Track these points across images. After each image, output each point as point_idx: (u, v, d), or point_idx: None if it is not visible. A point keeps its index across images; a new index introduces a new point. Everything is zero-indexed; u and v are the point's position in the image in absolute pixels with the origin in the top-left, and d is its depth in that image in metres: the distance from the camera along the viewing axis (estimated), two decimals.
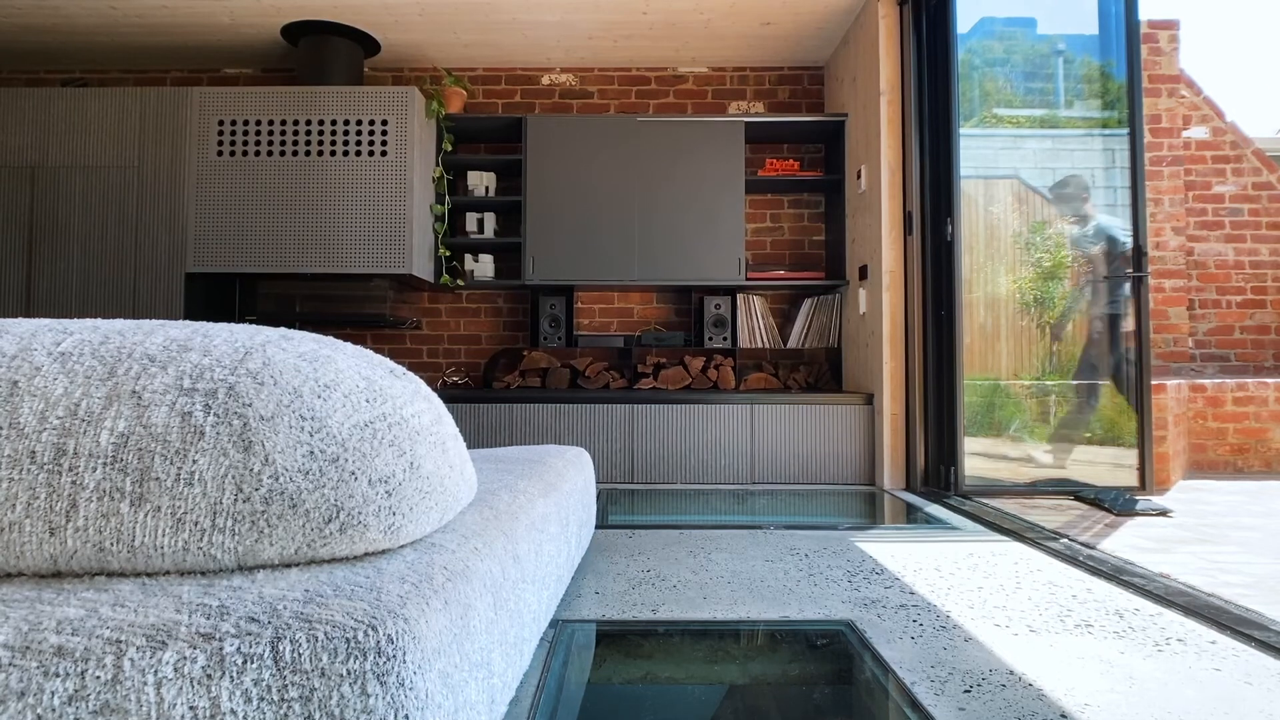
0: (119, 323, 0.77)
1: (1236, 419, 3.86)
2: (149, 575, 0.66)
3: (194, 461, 0.64)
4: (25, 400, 0.66)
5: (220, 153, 3.52)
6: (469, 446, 3.20)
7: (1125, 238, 2.47)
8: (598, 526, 2.42)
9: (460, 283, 3.83)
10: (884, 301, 3.25)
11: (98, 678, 0.53)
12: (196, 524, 0.64)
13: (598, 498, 2.57)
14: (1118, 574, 1.85)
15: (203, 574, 0.67)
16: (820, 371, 3.85)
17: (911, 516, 2.84)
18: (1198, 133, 4.70)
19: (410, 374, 0.86)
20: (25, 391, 0.66)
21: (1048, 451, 3.30)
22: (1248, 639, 1.42)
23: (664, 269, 3.75)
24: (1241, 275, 4.66)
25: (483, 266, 3.89)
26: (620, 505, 3.27)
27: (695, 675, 1.35)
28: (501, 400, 3.53)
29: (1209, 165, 4.70)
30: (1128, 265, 2.95)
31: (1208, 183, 4.70)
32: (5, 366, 0.68)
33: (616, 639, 1.51)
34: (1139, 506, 2.69)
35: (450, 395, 3.50)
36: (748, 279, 3.78)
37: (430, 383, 3.89)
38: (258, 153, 3.52)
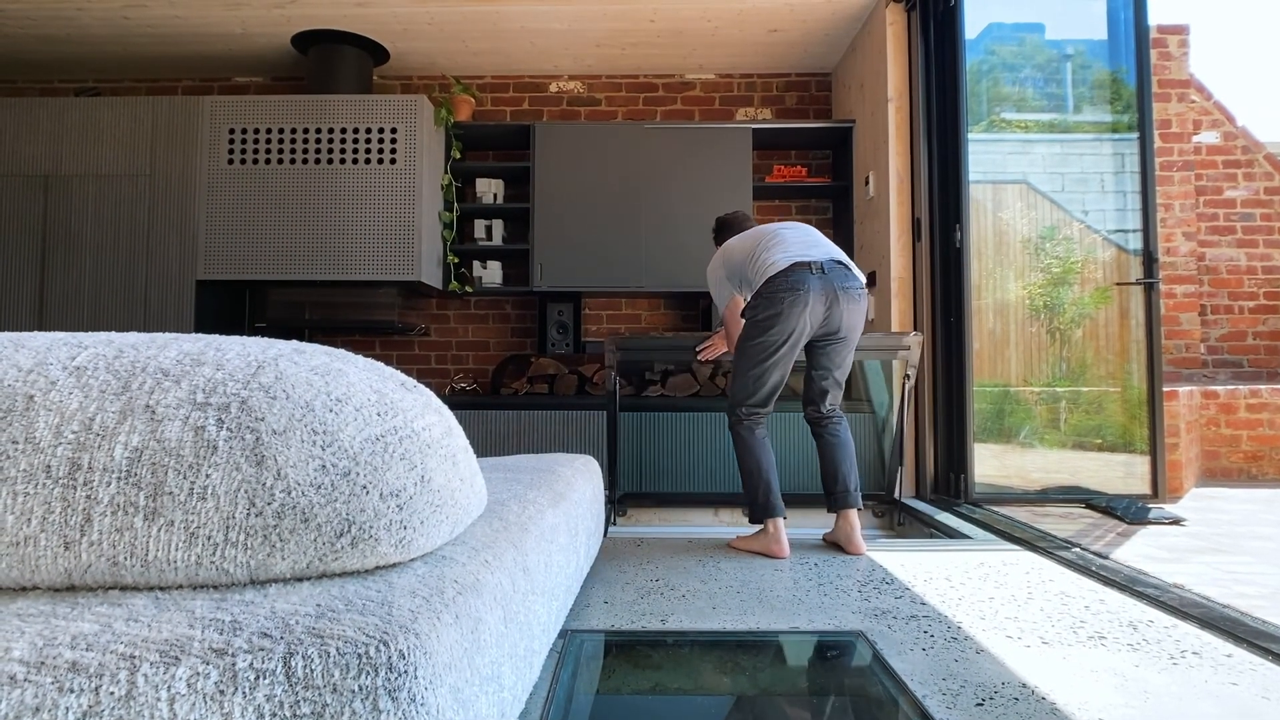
0: (133, 336, 0.78)
1: (1250, 426, 3.82)
2: (162, 589, 0.66)
3: (207, 476, 0.65)
4: (40, 414, 0.66)
5: (231, 161, 3.55)
6: (477, 453, 3.20)
7: None
8: (605, 534, 2.41)
9: (468, 289, 3.84)
10: (892, 308, 3.23)
11: (112, 694, 0.53)
12: (209, 538, 0.65)
13: (605, 504, 2.58)
14: (1131, 584, 1.84)
15: (215, 588, 0.67)
16: None
17: (922, 524, 2.82)
18: (1208, 137, 4.68)
19: (421, 386, 0.86)
20: (41, 406, 0.66)
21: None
22: (1265, 652, 1.41)
23: (671, 275, 3.75)
24: (1254, 280, 4.62)
25: (491, 273, 3.91)
26: (628, 513, 3.26)
27: (705, 686, 1.34)
28: (509, 407, 3.54)
29: (1220, 170, 4.67)
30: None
31: (1219, 188, 4.66)
32: (21, 380, 0.68)
33: (625, 649, 1.50)
34: (1151, 515, 2.66)
35: (458, 402, 3.50)
36: None
37: (438, 389, 3.90)
38: (268, 161, 3.55)
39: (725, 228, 2.56)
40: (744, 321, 2.26)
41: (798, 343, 2.18)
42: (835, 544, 2.28)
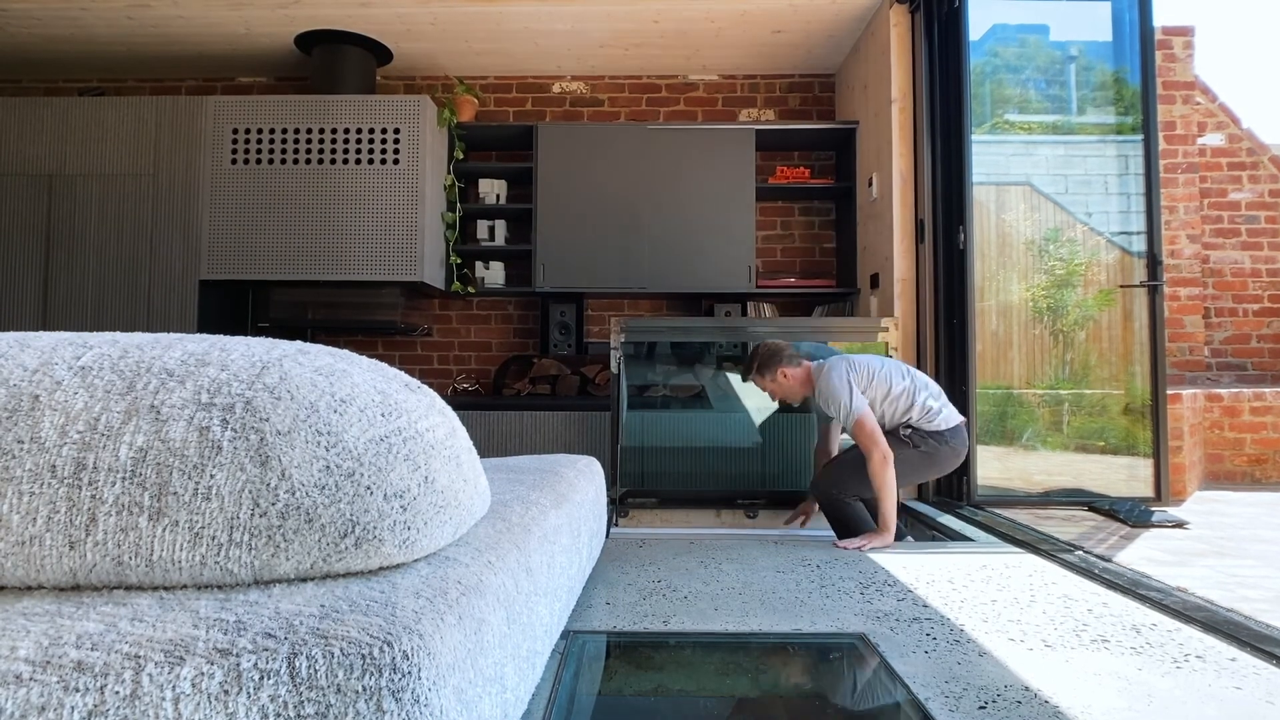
0: (138, 336, 0.78)
1: (1254, 429, 3.81)
2: (166, 589, 0.67)
3: (211, 476, 0.65)
4: (46, 414, 0.66)
5: (234, 161, 3.55)
6: (480, 454, 3.19)
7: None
8: (607, 535, 2.41)
9: (471, 290, 3.84)
10: (895, 310, 3.23)
11: (117, 693, 0.53)
12: (214, 539, 0.65)
13: (608, 505, 2.58)
14: (1134, 587, 1.83)
15: (219, 588, 0.67)
16: None
17: (924, 527, 2.82)
18: (1213, 139, 4.67)
19: (425, 387, 0.86)
20: (46, 405, 0.67)
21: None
22: (1269, 656, 1.40)
23: (674, 277, 3.75)
24: (1258, 283, 4.61)
25: (493, 274, 3.91)
26: (630, 513, 3.27)
27: (706, 687, 1.34)
28: (512, 408, 3.54)
29: (1225, 172, 4.66)
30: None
31: (1223, 190, 4.65)
32: (27, 380, 0.68)
33: (627, 650, 1.50)
34: (1155, 518, 2.66)
35: (461, 402, 3.51)
36: (758, 287, 3.77)
37: (441, 389, 3.91)
38: (271, 161, 3.55)
39: (789, 354, 2.68)
40: (911, 445, 2.54)
41: None
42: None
